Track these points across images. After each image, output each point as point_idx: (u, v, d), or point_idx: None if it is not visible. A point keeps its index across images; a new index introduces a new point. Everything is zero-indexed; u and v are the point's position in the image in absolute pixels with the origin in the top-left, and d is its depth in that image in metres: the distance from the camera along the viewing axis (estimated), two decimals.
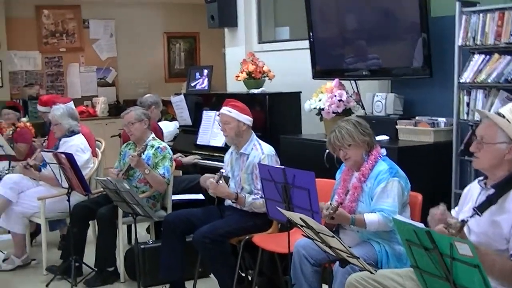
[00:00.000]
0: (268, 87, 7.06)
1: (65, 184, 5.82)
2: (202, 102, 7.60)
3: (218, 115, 5.44)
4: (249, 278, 5.52)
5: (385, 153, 4.36)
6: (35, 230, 7.12)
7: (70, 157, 5.62)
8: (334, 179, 4.66)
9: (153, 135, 6.19)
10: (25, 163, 6.57)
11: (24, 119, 8.79)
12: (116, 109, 12.30)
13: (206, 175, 5.28)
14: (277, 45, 7.72)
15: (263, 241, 5.06)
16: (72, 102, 7.72)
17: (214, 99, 7.42)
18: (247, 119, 5.31)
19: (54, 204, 6.29)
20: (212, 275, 5.55)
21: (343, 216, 4.10)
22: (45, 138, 7.43)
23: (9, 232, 6.78)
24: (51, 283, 6.00)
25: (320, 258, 4.25)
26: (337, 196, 4.42)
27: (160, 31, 13.42)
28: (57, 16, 12.45)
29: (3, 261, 6.57)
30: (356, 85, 6.22)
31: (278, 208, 4.02)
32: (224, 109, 5.32)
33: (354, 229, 4.27)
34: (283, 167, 4.26)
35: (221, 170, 5.30)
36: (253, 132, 5.38)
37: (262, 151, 5.22)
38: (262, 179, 4.49)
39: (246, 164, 5.24)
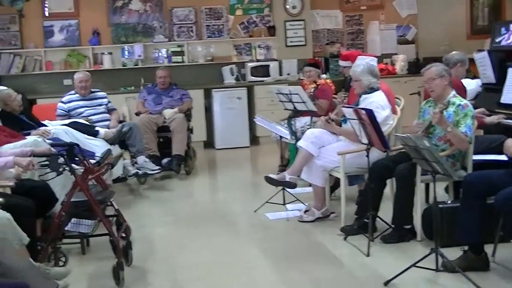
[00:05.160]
0: None
1: (365, 140, 5.86)
2: (507, 59, 7.23)
3: None
4: None
5: None
6: (335, 184, 7.30)
7: (370, 113, 5.64)
8: None
9: (454, 92, 6.00)
10: (327, 117, 6.71)
11: (324, 76, 9.02)
12: (415, 67, 12.19)
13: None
14: None
15: None
16: (375, 59, 7.73)
17: None
18: None
19: (353, 160, 6.36)
20: None
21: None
22: (346, 94, 7.55)
23: (310, 185, 7.02)
24: (348, 237, 6.13)
25: None
26: None
27: None
28: None
29: (305, 212, 6.82)
30: None
31: None
32: None
33: None
34: None
35: None
36: None
37: None
38: None
39: None
